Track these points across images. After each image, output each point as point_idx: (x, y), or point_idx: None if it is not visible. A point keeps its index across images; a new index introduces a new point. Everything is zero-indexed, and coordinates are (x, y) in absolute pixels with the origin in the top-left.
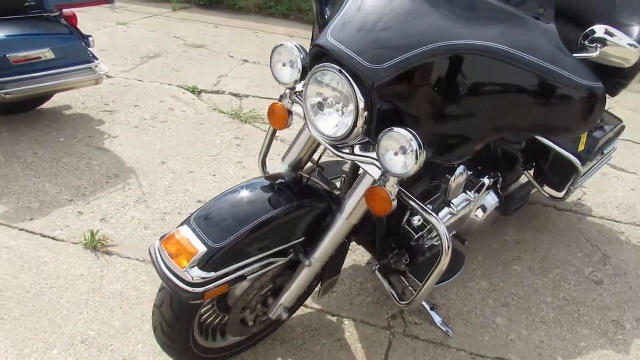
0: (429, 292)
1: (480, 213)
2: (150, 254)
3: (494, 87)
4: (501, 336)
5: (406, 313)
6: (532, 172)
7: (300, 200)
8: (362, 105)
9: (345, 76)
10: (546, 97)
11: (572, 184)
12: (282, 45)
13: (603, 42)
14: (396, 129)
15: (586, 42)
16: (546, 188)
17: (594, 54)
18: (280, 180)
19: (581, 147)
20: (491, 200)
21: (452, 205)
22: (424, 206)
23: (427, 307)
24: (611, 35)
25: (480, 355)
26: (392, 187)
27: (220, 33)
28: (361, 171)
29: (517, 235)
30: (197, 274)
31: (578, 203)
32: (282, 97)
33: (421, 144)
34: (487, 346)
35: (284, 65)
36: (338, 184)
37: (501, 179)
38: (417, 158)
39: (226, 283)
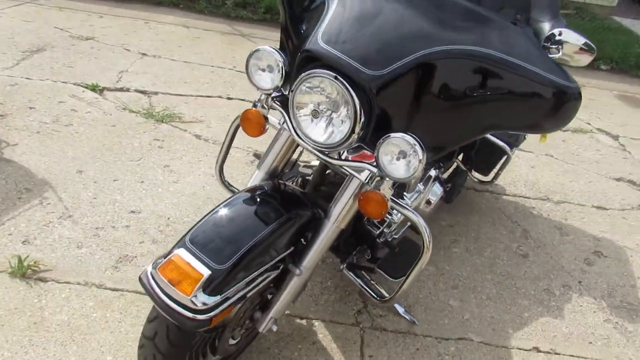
0: (410, 286)
1: (429, 204)
2: (142, 282)
3: (484, 88)
4: (457, 317)
5: (370, 306)
6: (459, 158)
7: (287, 211)
8: (360, 111)
9: (342, 82)
10: (531, 97)
11: (501, 168)
12: (260, 49)
13: (563, 43)
14: (397, 134)
15: (549, 44)
16: (474, 173)
17: (556, 55)
18: (261, 192)
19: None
20: (437, 190)
21: (406, 199)
22: (401, 203)
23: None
24: (569, 37)
25: (445, 338)
26: (387, 190)
27: (108, 23)
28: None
29: (450, 219)
30: (203, 300)
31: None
32: (256, 103)
33: (423, 147)
34: (448, 329)
35: (263, 70)
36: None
37: (442, 168)
38: (420, 161)
39: (231, 305)
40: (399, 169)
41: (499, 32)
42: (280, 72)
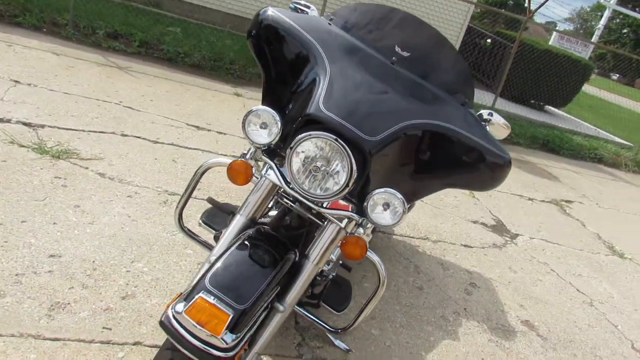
0: (365, 318)
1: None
2: (164, 326)
3: (446, 153)
4: (381, 344)
5: (307, 339)
6: None
7: (279, 255)
8: (354, 169)
9: (342, 144)
10: (478, 162)
11: (409, 209)
12: (259, 109)
13: (489, 121)
14: (386, 189)
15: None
16: None
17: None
18: (255, 237)
19: None
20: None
21: None
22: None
23: (325, 330)
24: (492, 116)
25: None
26: (367, 235)
27: None
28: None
29: None
30: (229, 338)
31: None
32: (244, 154)
33: (405, 201)
34: (376, 355)
35: (261, 127)
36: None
37: None
38: (404, 212)
39: (246, 341)
40: (385, 218)
41: (455, 111)
42: (278, 130)
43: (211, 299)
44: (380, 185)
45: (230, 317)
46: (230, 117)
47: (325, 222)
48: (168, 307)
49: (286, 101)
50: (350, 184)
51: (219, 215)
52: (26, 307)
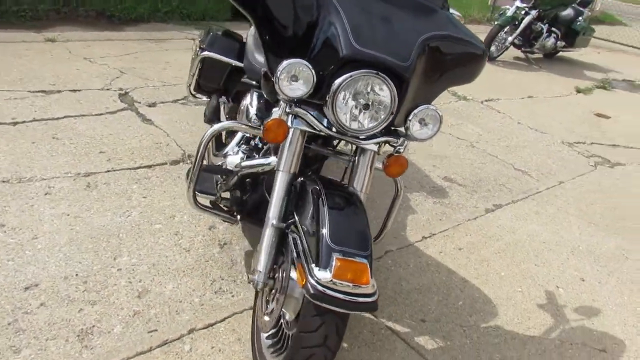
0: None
1: None
2: (317, 297)
3: (451, 56)
4: None
5: None
6: None
7: (351, 196)
8: (397, 97)
9: (384, 77)
10: (471, 56)
11: None
12: (292, 62)
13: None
14: (423, 106)
15: None
16: None
17: None
18: (318, 187)
19: None
20: None
21: None
22: None
23: None
24: (455, 11)
25: None
26: (406, 152)
27: None
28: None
29: None
30: (373, 282)
31: None
32: (275, 112)
33: (440, 112)
34: None
35: (295, 80)
36: None
37: None
38: (441, 122)
39: None
40: (426, 132)
41: (445, 16)
42: (313, 80)
43: (346, 257)
44: (411, 103)
45: (368, 264)
46: (67, 71)
47: (358, 153)
48: (302, 283)
49: (295, 49)
50: (395, 111)
51: (208, 179)
52: (54, 350)
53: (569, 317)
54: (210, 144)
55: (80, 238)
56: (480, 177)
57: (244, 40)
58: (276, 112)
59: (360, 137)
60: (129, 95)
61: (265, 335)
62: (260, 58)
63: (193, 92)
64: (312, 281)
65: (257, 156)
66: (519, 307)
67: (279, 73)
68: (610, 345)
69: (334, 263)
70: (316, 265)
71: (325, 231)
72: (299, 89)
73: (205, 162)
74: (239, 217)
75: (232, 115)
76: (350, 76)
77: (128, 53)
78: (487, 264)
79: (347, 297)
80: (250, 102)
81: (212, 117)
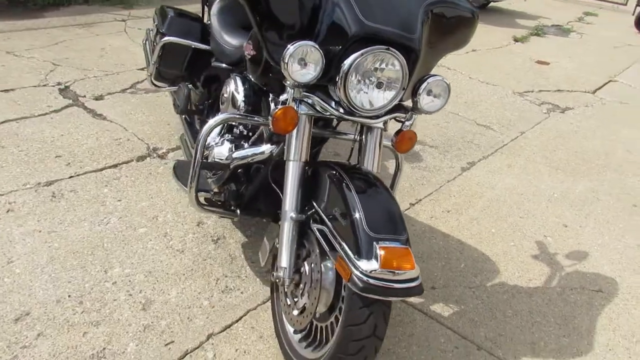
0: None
1: None
2: (368, 289)
3: (447, 20)
4: None
5: None
6: None
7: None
8: (407, 71)
9: (394, 52)
10: (465, 19)
11: None
12: (302, 44)
13: None
14: (434, 78)
15: None
16: None
17: None
18: (337, 173)
19: None
20: None
21: None
22: None
23: None
24: None
25: None
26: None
27: None
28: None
29: None
30: (417, 265)
31: None
32: (284, 101)
33: (448, 82)
34: None
35: (304, 64)
36: None
37: None
38: (449, 92)
39: None
40: (436, 104)
41: None
42: (322, 62)
43: (388, 244)
44: (417, 76)
45: (410, 249)
46: None
47: (364, 132)
48: (348, 277)
49: (299, 31)
50: (406, 85)
51: (199, 176)
52: None
53: (562, 263)
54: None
55: (62, 255)
56: (448, 136)
57: (205, 21)
58: (282, 100)
59: (372, 115)
60: (70, 90)
61: (292, 329)
62: (232, 40)
63: (155, 82)
64: (359, 274)
65: (245, 145)
66: (517, 260)
67: (287, 57)
68: (605, 285)
69: (378, 252)
70: (359, 257)
71: (359, 219)
72: (309, 73)
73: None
74: (238, 211)
75: (203, 103)
76: (362, 54)
77: (56, 42)
78: (477, 222)
79: (396, 285)
80: (236, 89)
81: (186, 107)
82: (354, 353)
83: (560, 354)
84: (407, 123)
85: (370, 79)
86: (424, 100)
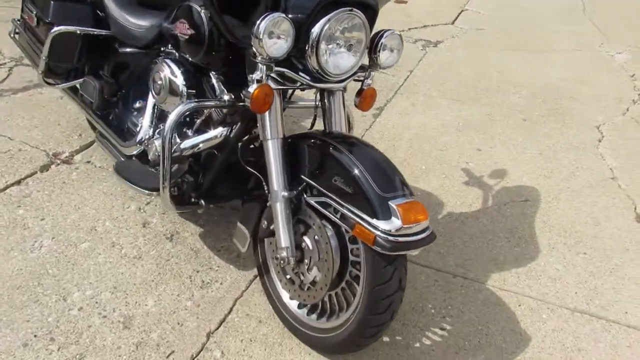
0: None
1: None
2: (394, 245)
3: None
4: None
5: None
6: None
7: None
8: (369, 30)
9: (358, 13)
10: None
11: None
12: (275, 15)
13: None
14: (389, 31)
15: None
16: None
17: None
18: (321, 139)
19: None
20: None
21: None
22: None
23: None
24: None
25: None
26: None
27: None
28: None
29: None
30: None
31: None
32: (260, 78)
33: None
34: None
35: (278, 37)
36: None
37: None
38: (402, 47)
39: None
40: (394, 58)
41: None
42: (293, 32)
43: (400, 200)
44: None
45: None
46: None
47: (326, 97)
48: (372, 241)
49: (261, 5)
50: (368, 43)
51: (148, 173)
52: None
53: (489, 183)
54: None
55: (4, 294)
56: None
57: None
58: (256, 78)
59: (341, 79)
60: None
61: (295, 305)
62: (140, 21)
63: (47, 80)
64: (383, 235)
65: (189, 132)
66: (453, 190)
67: (261, 32)
68: (528, 194)
69: (396, 210)
70: (377, 218)
71: (367, 181)
72: (283, 46)
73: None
74: (202, 201)
75: (115, 94)
76: (329, 19)
77: None
78: (407, 163)
79: (416, 237)
80: (172, 73)
81: (102, 101)
82: (384, 310)
83: (518, 262)
84: (367, 81)
85: (338, 42)
86: (384, 56)
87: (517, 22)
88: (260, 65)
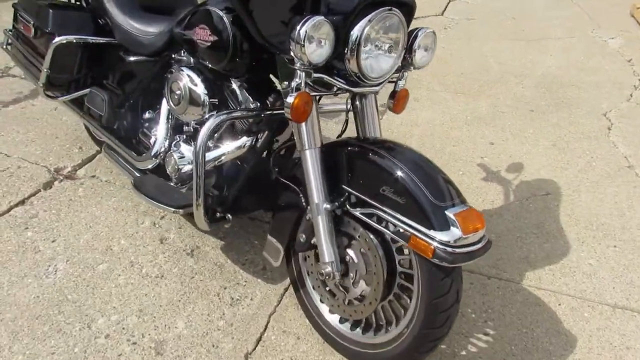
0: None
1: None
2: (454, 260)
3: None
4: None
5: None
6: None
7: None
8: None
9: (397, 12)
10: None
11: None
12: (318, 19)
13: None
14: (425, 29)
15: None
16: None
17: None
18: (356, 147)
19: None
20: None
21: None
22: None
23: None
24: None
25: None
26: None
27: None
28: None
29: None
30: None
31: None
32: (299, 86)
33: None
34: None
35: (320, 42)
36: None
37: None
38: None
39: None
40: (428, 57)
41: None
42: (334, 36)
43: (457, 209)
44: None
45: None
46: None
47: (358, 100)
48: (431, 253)
49: (299, 7)
50: (405, 44)
51: (171, 190)
52: None
53: (507, 178)
54: None
55: (24, 325)
56: None
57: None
58: (295, 86)
59: (380, 82)
60: None
61: (337, 319)
62: (147, 27)
63: (48, 93)
64: (442, 247)
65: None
66: (472, 187)
67: (302, 37)
68: (549, 188)
69: (454, 220)
70: (434, 229)
71: (421, 191)
72: (324, 51)
73: None
74: (229, 215)
75: (124, 105)
76: (369, 20)
77: None
78: None
79: (475, 247)
80: (192, 82)
81: (112, 114)
82: (442, 324)
83: (550, 258)
84: (401, 83)
85: (377, 44)
86: (419, 55)
87: (506, 11)
88: (299, 72)
